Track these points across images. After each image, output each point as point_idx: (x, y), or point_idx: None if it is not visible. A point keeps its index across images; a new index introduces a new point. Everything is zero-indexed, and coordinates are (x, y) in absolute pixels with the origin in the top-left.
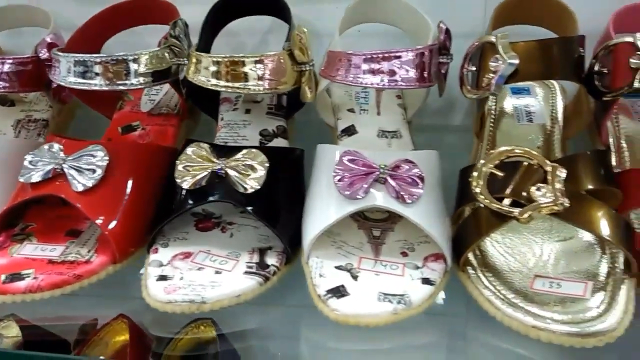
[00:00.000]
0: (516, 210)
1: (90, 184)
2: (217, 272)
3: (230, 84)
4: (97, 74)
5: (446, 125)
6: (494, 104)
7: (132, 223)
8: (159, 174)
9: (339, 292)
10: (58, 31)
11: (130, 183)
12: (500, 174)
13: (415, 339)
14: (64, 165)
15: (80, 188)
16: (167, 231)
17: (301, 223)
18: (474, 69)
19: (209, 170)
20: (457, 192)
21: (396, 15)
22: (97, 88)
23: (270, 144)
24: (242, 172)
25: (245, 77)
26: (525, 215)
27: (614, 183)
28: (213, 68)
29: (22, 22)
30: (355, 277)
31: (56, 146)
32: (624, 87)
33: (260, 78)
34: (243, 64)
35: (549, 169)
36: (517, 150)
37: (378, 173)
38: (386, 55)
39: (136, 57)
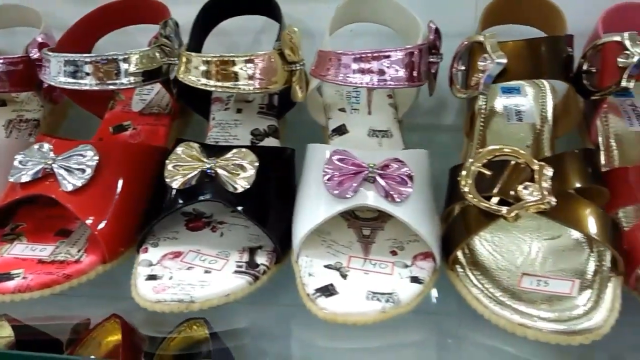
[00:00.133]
0: (504, 209)
1: (79, 183)
2: (206, 272)
3: (220, 84)
4: (87, 74)
5: (438, 124)
6: (484, 103)
7: (122, 223)
8: (149, 174)
9: (327, 290)
10: (49, 31)
11: (120, 183)
12: (488, 172)
13: (407, 338)
14: (53, 165)
15: (69, 188)
16: (157, 231)
17: (291, 222)
18: (463, 68)
19: (199, 170)
20: (446, 191)
21: (386, 15)
22: (87, 88)
23: (262, 144)
24: (232, 171)
25: (235, 77)
26: (513, 214)
27: (601, 182)
28: (203, 67)
29: (13, 22)
30: (344, 276)
31: (46, 146)
32: (612, 86)
33: (250, 77)
34: (233, 63)
35: (536, 167)
36: (505, 150)
37: (367, 172)
38: (376, 54)
39: (126, 56)
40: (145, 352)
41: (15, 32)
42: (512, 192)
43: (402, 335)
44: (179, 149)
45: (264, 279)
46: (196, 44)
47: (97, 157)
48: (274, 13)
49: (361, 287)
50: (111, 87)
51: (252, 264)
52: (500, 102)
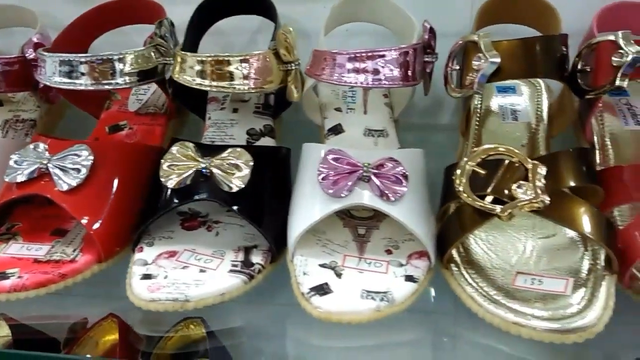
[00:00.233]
0: (498, 208)
1: (75, 183)
2: (201, 271)
3: (215, 83)
4: (82, 74)
5: (434, 124)
6: (479, 102)
7: (118, 222)
8: (145, 173)
9: (322, 289)
10: (45, 31)
11: (115, 182)
12: (482, 171)
13: (402, 337)
14: (49, 164)
15: (65, 187)
16: (153, 230)
17: (287, 221)
18: (457, 68)
19: (194, 170)
20: (442, 190)
21: (382, 15)
22: (82, 88)
23: (258, 143)
24: (227, 171)
25: (230, 77)
26: (507, 213)
27: (596, 181)
28: (198, 67)
29: (9, 22)
30: (339, 275)
31: (41, 146)
32: (606, 85)
33: (245, 77)
34: (228, 63)
35: (529, 166)
36: (500, 149)
37: (362, 171)
38: (370, 54)
39: (121, 56)
40: (143, 351)
41: (13, 32)
42: (506, 191)
43: (397, 334)
44: (174, 149)
45: (259, 278)
46: (191, 44)
47: (92, 157)
48: (269, 13)
49: (356, 286)
50: (106, 87)
51: (247, 263)
52: (496, 102)
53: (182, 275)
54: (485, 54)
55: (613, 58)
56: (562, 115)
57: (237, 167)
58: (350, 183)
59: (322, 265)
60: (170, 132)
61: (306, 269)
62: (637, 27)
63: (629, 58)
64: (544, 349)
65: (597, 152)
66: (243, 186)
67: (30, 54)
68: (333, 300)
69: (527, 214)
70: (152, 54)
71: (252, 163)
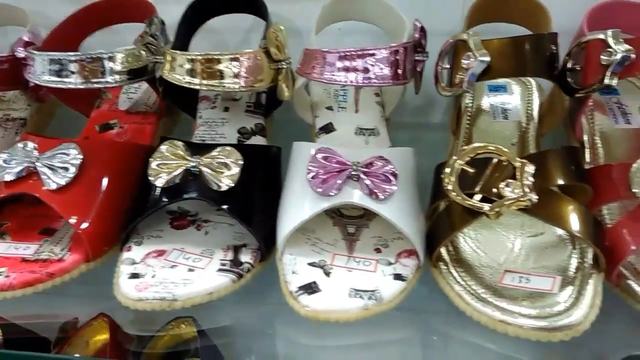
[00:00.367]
0: (486, 206)
1: (63, 182)
2: (190, 270)
3: (205, 82)
4: (72, 72)
5: (426, 122)
6: (471, 101)
7: (106, 221)
8: (134, 172)
9: (310, 288)
10: (36, 29)
11: (104, 181)
12: (471, 170)
13: (394, 336)
14: (37, 163)
15: (53, 186)
16: (142, 229)
17: (277, 220)
18: (448, 66)
19: (183, 168)
20: (431, 188)
21: (373, 13)
22: (72, 86)
23: (249, 142)
24: (216, 169)
25: (221, 75)
26: (494, 211)
27: (585, 179)
28: (188, 66)
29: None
30: (327, 274)
31: (30, 144)
32: (595, 84)
33: (236, 76)
34: (219, 61)
35: (517, 165)
36: (490, 147)
37: (351, 170)
38: (360, 53)
39: (112, 55)
40: (133, 350)
41: (6, 31)
42: (494, 190)
43: (388, 333)
44: (163, 147)
45: (247, 277)
46: (182, 43)
47: (80, 156)
48: (260, 11)
49: (344, 285)
50: (96, 85)
51: (236, 262)
52: (487, 100)
53: (170, 274)
54: (474, 52)
55: (602, 57)
56: (552, 114)
57: (226, 165)
58: (339, 182)
59: (311, 264)
60: (161, 131)
61: (295, 267)
62: (627, 25)
63: (618, 56)
64: (534, 348)
65: (587, 150)
66: (232, 185)
67: (20, 52)
68: (321, 299)
69: (515, 213)
70: (143, 52)
71: (241, 162)
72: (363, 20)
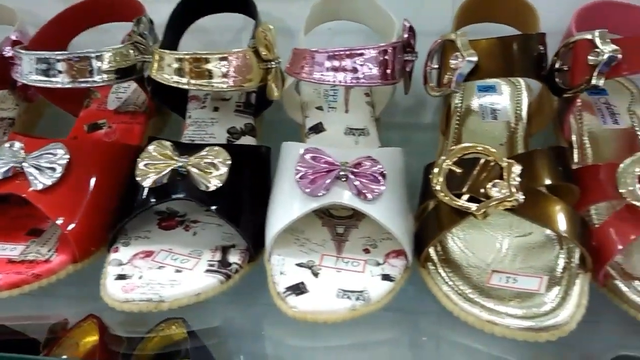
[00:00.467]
0: (473, 207)
1: (49, 182)
2: (177, 271)
3: (194, 81)
4: (59, 72)
5: (417, 123)
6: (460, 101)
7: (93, 222)
8: (122, 172)
9: (298, 289)
10: (24, 28)
11: (91, 182)
12: (458, 170)
13: (385, 336)
14: (24, 163)
15: (40, 187)
16: (130, 230)
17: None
18: (436, 66)
19: (170, 168)
20: (421, 188)
21: (362, 13)
22: (59, 86)
23: (238, 142)
24: (204, 170)
25: (209, 75)
26: (481, 211)
27: (572, 179)
28: (176, 65)
29: None
30: (316, 274)
31: (17, 144)
32: (583, 84)
33: (225, 75)
34: (207, 61)
35: (504, 165)
36: (478, 148)
37: (339, 170)
38: (349, 52)
39: (99, 54)
40: (123, 352)
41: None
42: (482, 190)
43: (378, 334)
44: (151, 147)
45: (236, 277)
46: (171, 42)
47: (67, 156)
48: (249, 11)
49: (332, 285)
50: (83, 85)
51: (224, 263)
52: (476, 101)
53: (157, 275)
54: (462, 52)
55: (589, 57)
56: (540, 114)
57: (214, 166)
58: (327, 182)
59: (299, 265)
60: (149, 131)
61: (283, 268)
62: (615, 25)
63: (605, 57)
64: (524, 348)
65: (576, 150)
66: (220, 185)
67: (7, 51)
68: (309, 299)
69: (504, 213)
70: (131, 51)
71: (229, 162)
72: (353, 20)
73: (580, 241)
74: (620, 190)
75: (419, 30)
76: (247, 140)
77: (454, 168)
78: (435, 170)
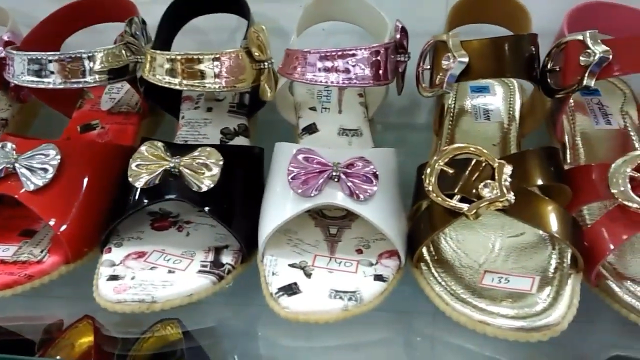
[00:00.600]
0: (465, 207)
1: (41, 183)
2: (170, 272)
3: (186, 82)
4: (51, 72)
5: (411, 123)
6: (453, 102)
7: (86, 223)
8: (114, 173)
9: (290, 289)
10: (17, 29)
11: (84, 182)
12: (450, 171)
13: (380, 337)
14: (16, 164)
15: (31, 187)
16: (122, 230)
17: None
18: (428, 67)
19: (162, 169)
20: (414, 188)
21: (355, 14)
22: (51, 86)
23: (232, 143)
24: (197, 170)
25: (202, 75)
26: (473, 212)
27: (564, 180)
28: (168, 66)
29: None
30: (308, 275)
31: (9, 145)
32: (574, 85)
33: (217, 76)
34: (199, 61)
35: (495, 165)
36: (470, 148)
37: (331, 171)
38: (341, 53)
39: (91, 54)
40: (119, 353)
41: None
42: (474, 191)
43: (373, 334)
44: (143, 148)
45: (228, 278)
46: (163, 42)
47: (59, 157)
48: (242, 11)
49: (324, 286)
50: (76, 85)
51: (217, 264)
52: (469, 101)
53: (149, 276)
54: (453, 53)
55: (581, 57)
56: (533, 114)
57: (206, 166)
58: (320, 182)
59: (292, 265)
60: (143, 132)
61: (275, 269)
62: (607, 26)
63: (596, 57)
64: (519, 349)
65: (568, 151)
66: (213, 186)
67: (0, 52)
68: (301, 300)
69: (495, 213)
70: (123, 52)
71: (222, 162)
72: (346, 20)
73: (572, 241)
74: (612, 191)
75: (414, 31)
76: (240, 140)
77: (445, 168)
78: (428, 170)
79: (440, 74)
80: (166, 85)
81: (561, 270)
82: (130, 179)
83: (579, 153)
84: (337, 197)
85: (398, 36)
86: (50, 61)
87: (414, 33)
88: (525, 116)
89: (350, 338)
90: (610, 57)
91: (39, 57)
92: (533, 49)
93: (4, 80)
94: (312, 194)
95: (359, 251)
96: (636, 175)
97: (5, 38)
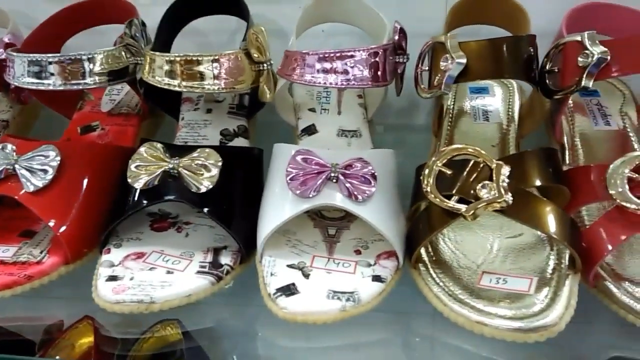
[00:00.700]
0: (463, 208)
1: (41, 184)
2: (168, 272)
3: (185, 83)
4: (51, 74)
5: (411, 124)
6: (452, 103)
7: (85, 224)
8: (114, 174)
9: (289, 290)
10: (18, 31)
11: (84, 183)
12: (448, 172)
13: (379, 337)
14: (16, 165)
15: (31, 189)
16: (122, 231)
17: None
18: (427, 68)
19: (161, 170)
20: (412, 189)
21: (354, 15)
22: (51, 88)
23: (231, 144)
24: (195, 171)
25: (201, 77)
26: (470, 213)
27: (562, 181)
28: (167, 67)
29: None
30: (306, 276)
31: (9, 146)
32: (573, 86)
33: (216, 77)
34: (198, 62)
35: (493, 166)
36: (469, 149)
37: (329, 172)
38: (339, 54)
39: (91, 56)
40: (119, 353)
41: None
42: (472, 192)
43: (372, 334)
44: (142, 149)
45: (227, 279)
46: (163, 44)
47: (59, 158)
48: (241, 13)
49: (323, 287)
50: (75, 87)
51: (215, 264)
52: (468, 102)
53: (148, 276)
54: (451, 54)
55: (579, 58)
56: (532, 115)
57: (205, 167)
58: (318, 183)
59: (290, 266)
60: (143, 133)
61: (274, 269)
62: (606, 27)
63: (594, 58)
64: (518, 349)
65: (567, 152)
66: (211, 187)
67: (0, 54)
68: (299, 300)
69: (493, 214)
70: (123, 53)
71: (221, 163)
72: (345, 22)
73: (570, 242)
74: (610, 192)
75: (414, 32)
76: (240, 142)
77: (443, 169)
78: (426, 171)
79: (439, 75)
80: (165, 87)
81: (559, 271)
82: (129, 180)
83: (578, 154)
84: (335, 198)
85: (396, 37)
86: (50, 63)
87: (414, 34)
88: (524, 117)
89: (350, 339)
90: (609, 57)
91: (39, 59)
92: (531, 50)
93: (5, 82)
94: (311, 195)
95: (358, 252)
96: (634, 176)
97: (6, 40)
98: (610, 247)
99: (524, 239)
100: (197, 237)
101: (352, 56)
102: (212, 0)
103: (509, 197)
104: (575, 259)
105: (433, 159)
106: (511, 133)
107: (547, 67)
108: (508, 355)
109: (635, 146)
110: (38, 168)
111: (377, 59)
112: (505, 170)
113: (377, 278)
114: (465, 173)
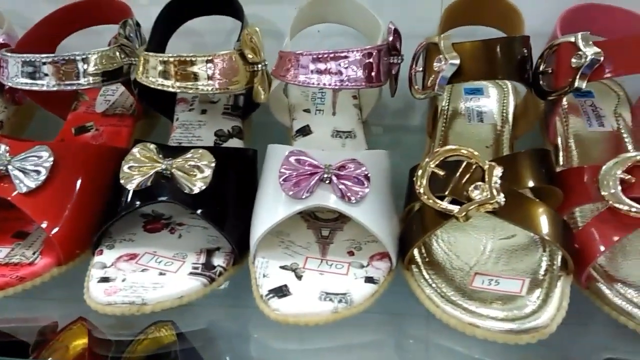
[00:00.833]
0: (455, 209)
1: (33, 185)
2: (161, 274)
3: (179, 84)
4: (45, 74)
5: (406, 125)
6: (447, 104)
7: (78, 225)
8: (107, 175)
9: (281, 291)
10: (13, 31)
11: (77, 184)
12: (441, 173)
13: (371, 339)
14: (8, 166)
15: (24, 189)
16: (115, 232)
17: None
18: (420, 69)
19: (154, 171)
20: (406, 190)
21: (349, 16)
22: (45, 88)
23: (226, 145)
24: (189, 172)
25: (195, 77)
26: (463, 214)
27: (555, 182)
28: (160, 68)
29: None
30: (299, 277)
31: (2, 147)
32: (566, 87)
33: (210, 78)
34: (192, 63)
35: (486, 167)
36: (462, 150)
37: (323, 173)
38: (333, 55)
39: (85, 56)
40: (112, 355)
41: None
42: (464, 193)
43: (364, 336)
44: (135, 150)
45: (220, 280)
46: (157, 44)
47: (52, 158)
48: (236, 13)
49: (315, 288)
50: (69, 87)
51: (208, 266)
52: (463, 103)
53: (140, 278)
54: (445, 55)
55: (572, 59)
56: (526, 116)
57: (198, 168)
58: (311, 184)
59: (283, 267)
60: (137, 134)
61: (266, 271)
62: (600, 28)
63: (587, 59)
64: (512, 351)
65: (561, 153)
66: (204, 188)
67: None
68: (291, 302)
69: (486, 215)
70: (117, 54)
71: (214, 164)
72: (340, 22)
73: (562, 244)
74: (603, 193)
75: (409, 33)
76: (234, 142)
77: (436, 170)
78: (419, 172)
79: (432, 75)
80: (159, 87)
81: (551, 272)
82: (122, 181)
83: (571, 155)
84: (328, 199)
85: (391, 38)
86: (44, 63)
87: (410, 35)
88: (518, 118)
89: (343, 340)
90: (602, 58)
91: (33, 60)
92: (525, 51)
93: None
94: (304, 196)
95: (351, 253)
96: (627, 178)
97: (0, 40)
98: (602, 249)
99: (517, 241)
100: (190, 239)
101: (346, 57)
102: (207, 1)
103: (501, 198)
104: (567, 260)
105: (426, 160)
106: (505, 134)
107: (541, 68)
108: (502, 356)
109: (629, 147)
110: (31, 169)
111: (371, 60)
112: (498, 171)
113: (369, 279)
114: (458, 174)
